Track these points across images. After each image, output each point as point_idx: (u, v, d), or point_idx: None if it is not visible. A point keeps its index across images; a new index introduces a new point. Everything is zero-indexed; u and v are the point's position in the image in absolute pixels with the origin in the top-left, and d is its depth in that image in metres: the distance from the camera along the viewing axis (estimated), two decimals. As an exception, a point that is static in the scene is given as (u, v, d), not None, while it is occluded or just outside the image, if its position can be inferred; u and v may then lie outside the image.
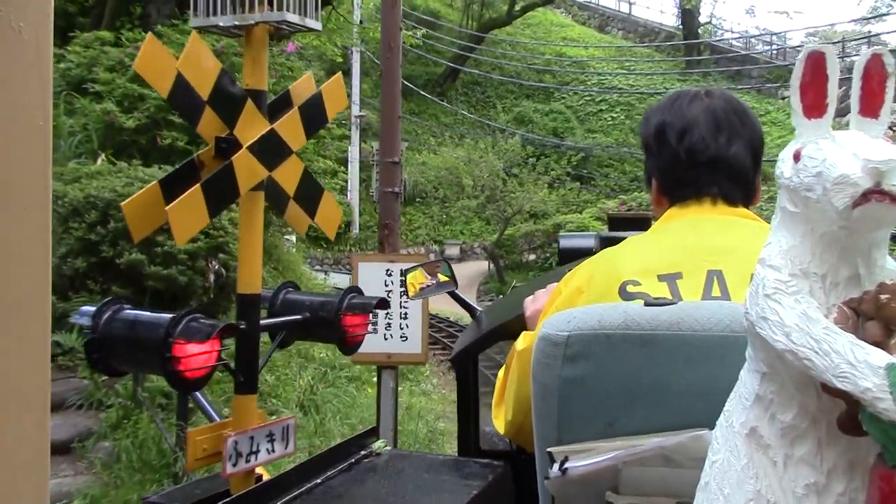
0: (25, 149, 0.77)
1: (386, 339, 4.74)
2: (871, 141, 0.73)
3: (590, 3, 43.80)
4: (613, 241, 1.56)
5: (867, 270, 0.74)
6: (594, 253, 1.58)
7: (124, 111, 8.42)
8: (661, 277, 1.30)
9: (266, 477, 2.79)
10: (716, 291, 1.26)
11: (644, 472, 1.08)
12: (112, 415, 5.96)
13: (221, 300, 7.04)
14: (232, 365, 2.82)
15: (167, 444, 5.35)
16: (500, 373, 1.69)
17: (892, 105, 0.78)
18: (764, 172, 1.52)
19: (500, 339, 2.18)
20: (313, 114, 2.99)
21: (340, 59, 16.78)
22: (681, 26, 36.40)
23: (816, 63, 0.76)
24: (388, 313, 4.68)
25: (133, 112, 8.36)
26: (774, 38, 35.53)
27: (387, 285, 4.74)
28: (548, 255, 22.77)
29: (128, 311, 2.57)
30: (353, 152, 25.89)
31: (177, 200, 2.50)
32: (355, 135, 26.18)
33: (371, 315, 4.84)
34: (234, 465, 2.73)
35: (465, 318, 2.67)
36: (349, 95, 26.12)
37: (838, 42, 27.54)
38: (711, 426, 0.85)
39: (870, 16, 32.95)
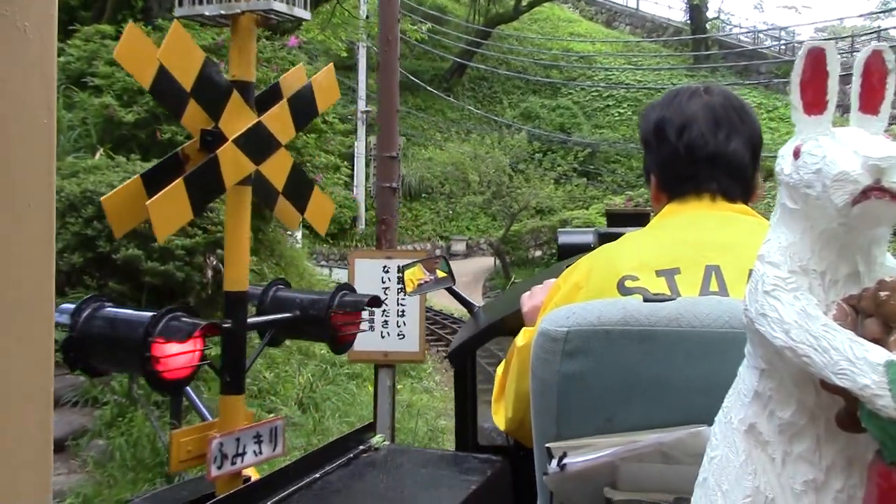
0: (29, 148, 0.77)
1: (383, 336, 4.66)
2: (871, 138, 0.72)
3: (597, -3, 43.71)
4: (612, 237, 1.57)
5: (867, 267, 0.74)
6: (593, 249, 1.61)
7: (124, 105, 8.36)
8: (659, 273, 1.30)
9: (256, 478, 2.73)
10: (714, 287, 1.27)
11: (642, 468, 1.09)
12: (107, 412, 5.91)
13: (219, 296, 6.94)
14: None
15: (161, 442, 5.29)
16: (500, 369, 1.70)
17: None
18: (768, 169, 1.49)
19: (497, 335, 2.19)
20: (303, 106, 2.91)
21: (345, 54, 16.68)
22: (689, 21, 36.40)
23: (816, 59, 0.76)
24: (384, 311, 4.61)
25: (132, 106, 8.30)
26: (783, 33, 35.35)
27: (384, 282, 4.67)
28: (553, 251, 22.54)
29: (108, 309, 2.51)
30: (360, 147, 25.85)
31: (158, 195, 2.42)
32: (361, 130, 26.13)
33: (368, 313, 4.81)
34: (220, 467, 2.66)
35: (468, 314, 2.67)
36: (355, 90, 26.13)
37: (847, 37, 27.38)
38: (710, 422, 0.85)
39: (879, 10, 32.76)
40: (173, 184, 2.46)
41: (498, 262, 25.05)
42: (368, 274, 4.65)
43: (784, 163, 0.76)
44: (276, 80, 3.01)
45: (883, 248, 0.75)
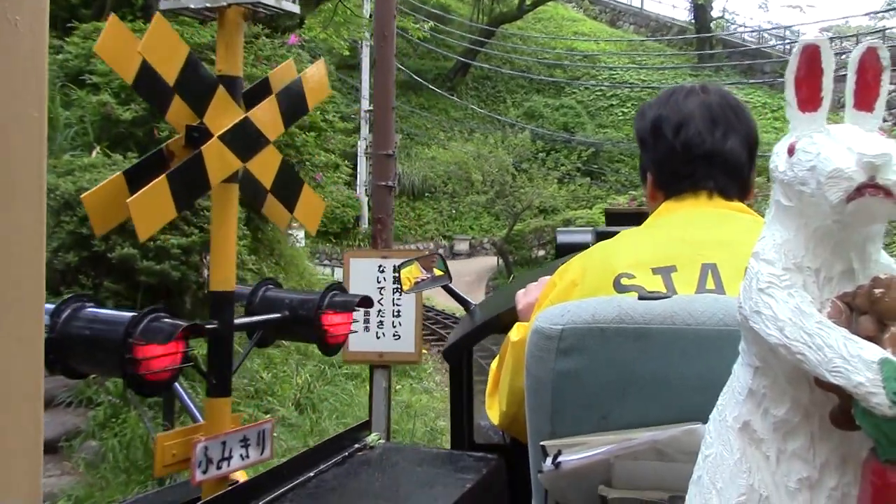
0: (20, 142, 0.77)
1: (378, 337, 4.60)
2: (865, 135, 0.72)
3: (601, -3, 43.65)
4: (610, 236, 1.55)
5: (861, 265, 0.74)
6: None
7: (121, 103, 8.29)
8: (655, 270, 1.31)
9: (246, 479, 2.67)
10: (710, 284, 1.27)
11: (637, 465, 1.09)
12: (100, 413, 5.85)
13: (215, 296, 6.91)
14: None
15: (153, 444, 5.23)
16: (494, 363, 1.70)
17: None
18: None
19: (492, 332, 2.18)
20: (292, 102, 2.85)
21: (348, 53, 16.62)
22: (693, 21, 36.39)
23: (811, 56, 0.75)
24: (380, 311, 4.55)
25: (130, 104, 8.23)
26: (787, 32, 35.20)
27: (379, 282, 4.61)
28: (556, 250, 22.61)
29: (89, 310, 2.44)
30: (363, 146, 25.79)
31: (139, 192, 2.36)
32: (364, 129, 26.07)
33: (363, 313, 4.73)
34: (205, 472, 2.60)
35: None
36: (358, 90, 26.07)
37: (852, 36, 27.29)
38: (705, 420, 0.85)
39: (884, 10, 32.65)
40: (155, 181, 2.40)
41: (501, 261, 25.01)
42: (363, 274, 4.59)
43: (778, 160, 0.76)
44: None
45: (877, 245, 0.75)
